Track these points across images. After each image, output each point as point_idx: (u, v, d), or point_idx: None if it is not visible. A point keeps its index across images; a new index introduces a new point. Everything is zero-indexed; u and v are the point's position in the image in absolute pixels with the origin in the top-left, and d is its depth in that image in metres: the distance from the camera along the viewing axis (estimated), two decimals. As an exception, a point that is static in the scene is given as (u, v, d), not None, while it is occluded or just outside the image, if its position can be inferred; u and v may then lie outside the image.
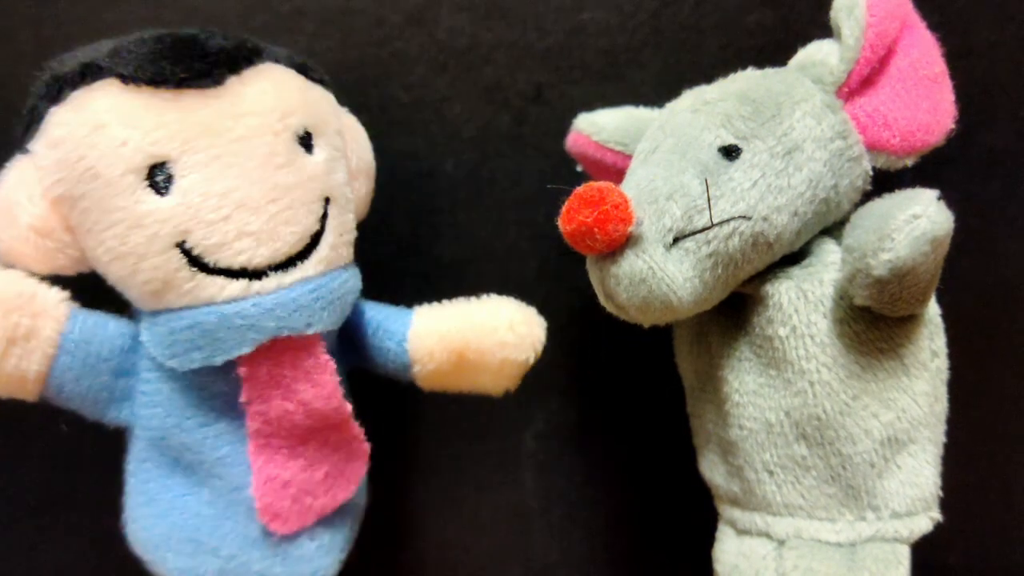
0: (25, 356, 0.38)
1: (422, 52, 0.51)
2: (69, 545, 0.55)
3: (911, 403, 0.39)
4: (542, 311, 0.45)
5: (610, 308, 0.39)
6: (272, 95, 0.39)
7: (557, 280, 0.54)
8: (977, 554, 0.56)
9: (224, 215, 0.37)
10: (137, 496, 0.42)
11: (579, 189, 0.36)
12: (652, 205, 0.37)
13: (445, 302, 0.45)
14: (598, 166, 0.47)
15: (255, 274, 0.38)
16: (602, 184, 0.35)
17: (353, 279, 0.43)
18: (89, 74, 0.38)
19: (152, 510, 0.42)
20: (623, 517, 0.57)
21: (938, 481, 0.41)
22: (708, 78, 0.44)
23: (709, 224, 0.36)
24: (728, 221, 0.37)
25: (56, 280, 0.39)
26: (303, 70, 0.42)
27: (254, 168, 0.38)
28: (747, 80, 0.42)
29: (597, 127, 0.47)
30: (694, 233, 0.37)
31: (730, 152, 0.38)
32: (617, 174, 0.44)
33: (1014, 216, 0.52)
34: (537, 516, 0.57)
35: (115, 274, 0.38)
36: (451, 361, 0.44)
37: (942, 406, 0.41)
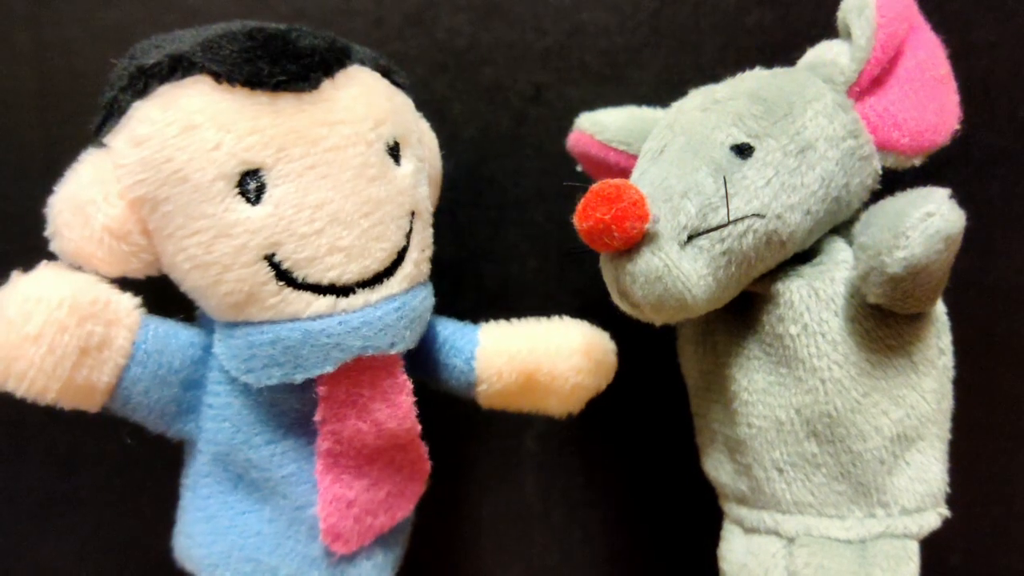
0: (97, 367, 0.37)
1: (421, 53, 0.53)
2: (69, 545, 0.56)
3: (920, 400, 0.41)
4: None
5: (624, 307, 0.40)
6: (364, 102, 0.39)
7: (557, 281, 0.55)
8: (978, 554, 0.56)
9: (317, 229, 0.37)
10: (195, 512, 0.42)
11: (595, 186, 0.37)
12: (667, 203, 0.38)
13: (513, 320, 0.46)
14: (600, 166, 0.49)
15: (342, 290, 0.38)
16: (618, 181, 0.37)
17: (430, 296, 0.43)
18: (179, 68, 0.37)
19: (211, 527, 0.41)
20: (623, 518, 0.58)
21: (946, 477, 0.43)
22: (708, 78, 0.46)
23: (725, 222, 0.38)
24: (742, 219, 0.38)
25: (120, 282, 0.39)
26: (387, 73, 0.43)
27: (348, 180, 0.38)
28: (757, 79, 0.43)
29: (600, 126, 0.48)
30: (709, 231, 0.38)
31: (743, 150, 0.40)
32: (620, 174, 0.46)
33: (1014, 216, 0.53)
34: (538, 517, 0.59)
35: (193, 283, 0.38)
36: (518, 382, 0.44)
37: (948, 403, 0.43)
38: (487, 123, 0.54)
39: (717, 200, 0.38)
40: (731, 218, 0.38)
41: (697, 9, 0.53)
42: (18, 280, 0.36)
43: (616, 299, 0.40)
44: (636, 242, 0.37)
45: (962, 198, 0.36)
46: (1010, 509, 0.58)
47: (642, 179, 0.40)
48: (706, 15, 0.53)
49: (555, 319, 0.46)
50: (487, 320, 0.47)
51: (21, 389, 0.36)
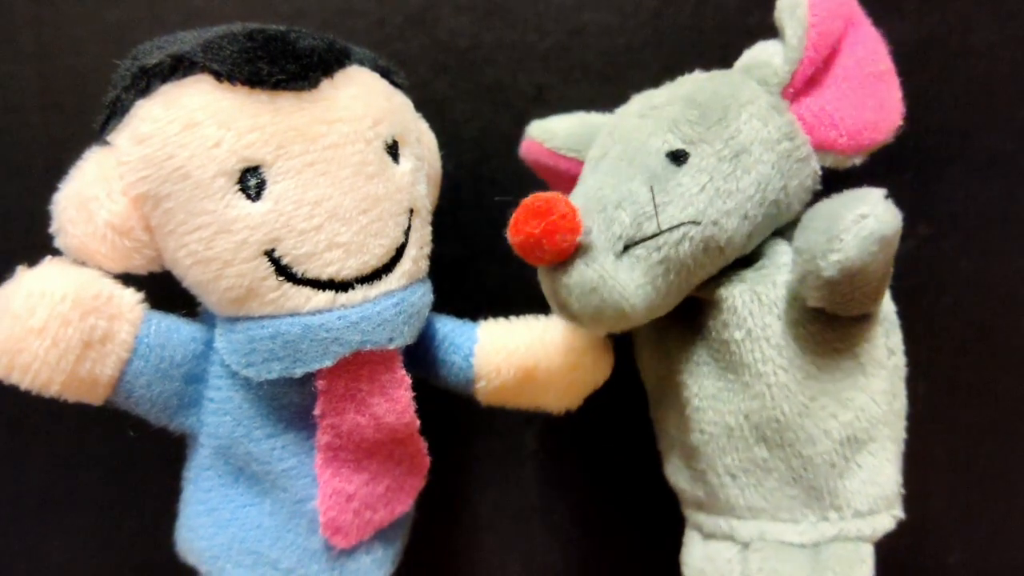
0: (100, 360, 0.37)
1: (423, 53, 0.53)
2: (70, 545, 0.56)
3: (869, 402, 0.41)
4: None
5: (565, 318, 0.40)
6: (363, 101, 0.40)
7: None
8: (978, 554, 0.56)
9: (316, 225, 0.37)
10: (196, 505, 0.43)
11: (527, 200, 0.37)
12: (601, 214, 0.38)
13: (511, 317, 0.46)
14: (553, 173, 0.49)
15: (341, 286, 0.38)
16: (550, 194, 0.37)
17: (429, 292, 0.43)
18: (180, 68, 0.37)
19: (212, 520, 0.42)
20: (624, 516, 0.58)
21: (899, 479, 0.43)
22: (709, 79, 0.44)
23: (658, 231, 0.38)
24: (678, 227, 0.38)
25: (124, 278, 0.39)
26: (386, 74, 0.43)
27: (346, 177, 0.38)
28: (694, 83, 0.43)
29: (549, 134, 0.48)
30: (644, 240, 0.38)
31: (678, 157, 0.40)
32: (571, 181, 0.45)
33: (1014, 216, 0.53)
34: (538, 515, 0.59)
35: (195, 278, 0.38)
36: (517, 379, 0.45)
37: (901, 403, 0.44)
38: (488, 123, 0.54)
39: (651, 209, 0.38)
40: (665, 226, 0.38)
41: (698, 10, 0.53)
42: (23, 275, 0.37)
43: (556, 311, 0.40)
44: (569, 255, 0.37)
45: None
46: (1010, 509, 0.58)
47: (579, 189, 0.41)
48: (707, 16, 0.53)
49: (553, 316, 0.46)
50: (488, 320, 0.47)
51: (25, 381, 0.36)
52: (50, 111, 0.51)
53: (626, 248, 0.38)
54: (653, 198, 0.38)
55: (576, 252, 0.37)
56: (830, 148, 0.42)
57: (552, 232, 0.36)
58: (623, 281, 0.37)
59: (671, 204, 0.38)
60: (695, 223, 0.38)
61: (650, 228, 0.38)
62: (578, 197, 0.39)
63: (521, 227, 0.36)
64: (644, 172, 0.39)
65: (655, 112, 0.42)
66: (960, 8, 0.52)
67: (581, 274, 0.37)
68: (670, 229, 0.38)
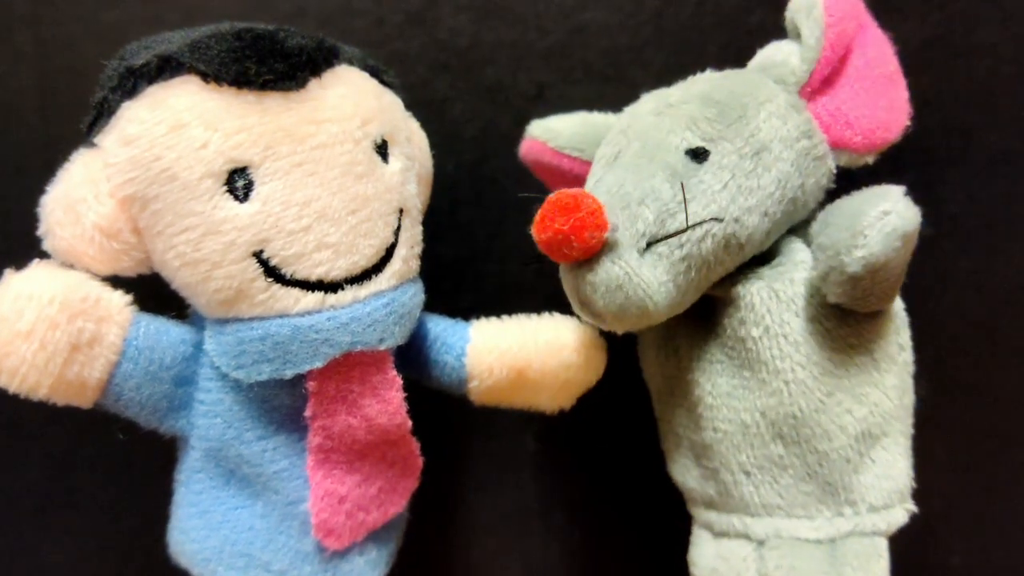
0: (88, 363, 0.37)
1: (423, 52, 0.53)
2: (68, 546, 0.56)
3: (883, 397, 0.41)
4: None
5: (585, 316, 0.40)
6: (352, 101, 0.40)
7: (557, 280, 0.54)
8: (978, 554, 0.56)
9: (304, 225, 0.37)
10: (188, 507, 0.42)
11: (553, 196, 0.37)
12: (625, 210, 0.38)
13: (504, 317, 0.46)
14: (554, 173, 0.49)
15: (330, 287, 0.38)
16: (575, 191, 0.37)
17: (420, 292, 0.43)
18: (167, 69, 0.37)
19: (204, 522, 0.42)
20: (623, 517, 0.58)
21: (911, 473, 0.43)
22: (710, 78, 0.44)
23: (683, 227, 0.38)
24: (701, 224, 0.38)
25: (112, 281, 0.39)
26: (375, 73, 0.43)
27: (335, 178, 0.38)
28: (709, 82, 0.43)
29: (553, 133, 0.48)
30: (667, 237, 0.38)
31: (698, 154, 0.40)
32: (574, 180, 0.46)
33: (1014, 216, 0.53)
34: (537, 516, 0.58)
35: (183, 280, 0.38)
36: (509, 378, 0.45)
37: (910, 398, 0.44)
38: (489, 122, 0.54)
39: (674, 206, 0.38)
40: (689, 223, 0.38)
41: (699, 8, 0.53)
42: (10, 278, 0.37)
43: (577, 309, 0.40)
44: (595, 252, 0.37)
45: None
46: (1010, 509, 0.57)
47: (598, 186, 0.40)
48: (708, 14, 0.53)
49: (546, 316, 0.46)
50: (481, 319, 0.46)
51: (13, 385, 0.36)
52: (47, 111, 0.51)
53: (648, 245, 0.38)
54: (684, 195, 0.38)
55: (602, 249, 0.37)
56: (845, 147, 0.42)
57: (581, 228, 0.35)
58: (647, 278, 0.37)
59: (694, 201, 0.38)
60: (718, 220, 0.38)
61: (673, 225, 0.38)
62: (600, 194, 0.38)
63: (549, 224, 0.36)
64: (665, 169, 0.39)
65: (671, 110, 0.42)
66: (962, 8, 0.51)
67: (608, 271, 0.37)
68: (694, 226, 0.38)
